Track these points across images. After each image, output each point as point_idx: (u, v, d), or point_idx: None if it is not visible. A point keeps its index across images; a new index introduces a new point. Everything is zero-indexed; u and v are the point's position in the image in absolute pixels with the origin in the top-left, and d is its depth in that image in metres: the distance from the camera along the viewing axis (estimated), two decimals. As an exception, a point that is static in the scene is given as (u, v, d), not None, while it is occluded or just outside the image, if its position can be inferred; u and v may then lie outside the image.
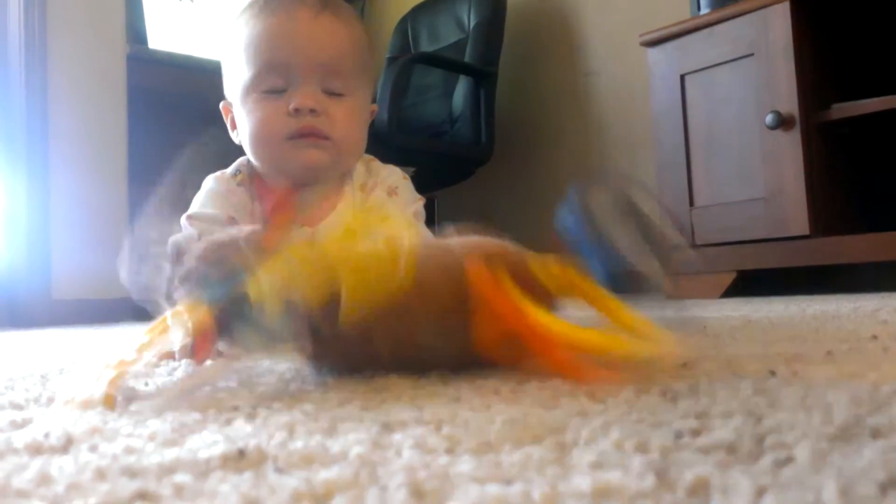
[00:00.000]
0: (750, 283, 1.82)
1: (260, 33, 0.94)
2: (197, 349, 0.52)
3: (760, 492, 0.22)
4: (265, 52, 0.93)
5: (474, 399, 0.42)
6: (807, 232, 1.66)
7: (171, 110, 2.65)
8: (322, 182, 1.01)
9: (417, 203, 1.02)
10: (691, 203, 1.87)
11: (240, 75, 0.96)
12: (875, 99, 1.62)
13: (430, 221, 1.04)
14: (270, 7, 0.96)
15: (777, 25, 1.71)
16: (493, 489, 0.23)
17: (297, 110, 0.92)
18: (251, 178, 1.01)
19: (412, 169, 1.06)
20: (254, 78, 0.94)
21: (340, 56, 0.96)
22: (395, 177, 1.04)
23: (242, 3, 1.03)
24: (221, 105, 1.03)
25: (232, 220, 0.94)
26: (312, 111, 0.92)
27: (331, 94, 0.95)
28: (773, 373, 0.47)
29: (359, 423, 0.36)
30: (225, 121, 1.03)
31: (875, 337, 0.67)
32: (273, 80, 0.93)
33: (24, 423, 0.41)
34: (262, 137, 0.95)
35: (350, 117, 0.97)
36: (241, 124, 0.97)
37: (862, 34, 1.82)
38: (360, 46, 1.00)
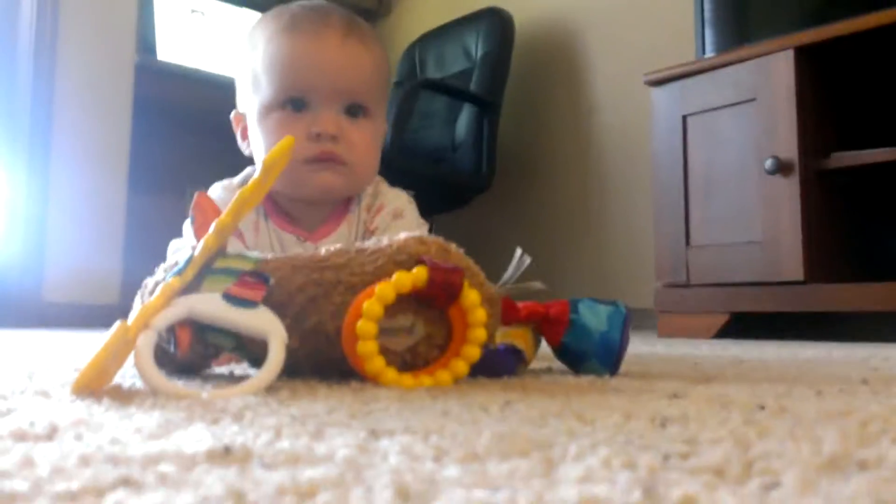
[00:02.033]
0: (743, 326, 1.82)
1: (286, 52, 0.94)
2: (178, 341, 0.52)
3: (747, 511, 0.22)
4: (291, 73, 0.93)
5: (463, 414, 0.42)
6: (801, 278, 1.67)
7: (175, 121, 2.66)
8: (330, 202, 1.01)
9: (422, 228, 1.02)
10: (687, 242, 1.88)
11: (260, 90, 0.95)
12: (875, 150, 1.63)
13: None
14: (298, 26, 0.96)
15: (780, 72, 1.73)
16: (479, 494, 0.23)
17: (318, 135, 0.92)
18: None
19: (411, 192, 1.06)
20: (276, 96, 0.94)
21: (364, 81, 0.96)
22: (401, 200, 1.04)
23: (253, 19, 1.03)
24: (233, 114, 1.03)
25: (237, 231, 0.94)
26: (333, 137, 0.93)
27: (352, 116, 0.95)
28: (762, 406, 0.47)
29: (346, 428, 0.36)
30: (234, 130, 1.04)
31: (865, 381, 0.67)
32: (295, 100, 0.93)
33: (8, 412, 0.41)
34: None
35: (368, 142, 0.97)
36: (256, 139, 0.97)
37: (864, 84, 1.84)
38: (382, 71, 1.01)
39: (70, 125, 2.29)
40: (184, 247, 0.89)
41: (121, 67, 2.42)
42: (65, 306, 2.20)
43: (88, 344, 1.21)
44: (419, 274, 0.56)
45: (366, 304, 0.54)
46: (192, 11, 2.89)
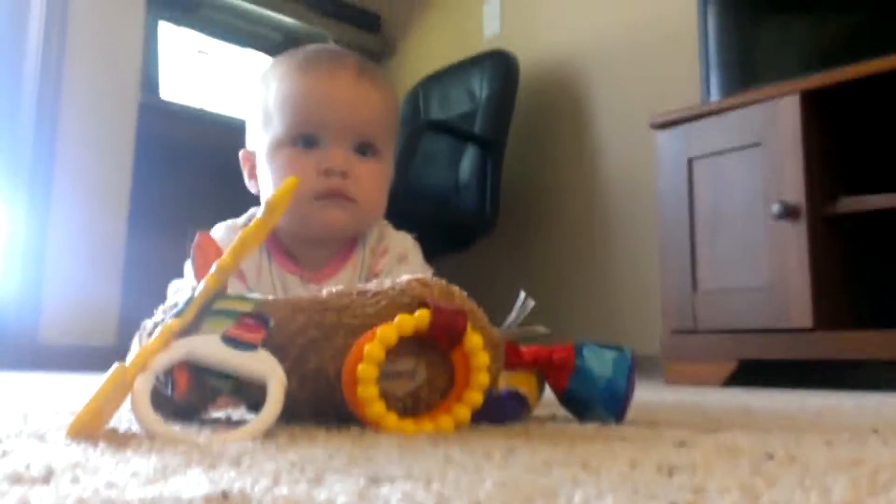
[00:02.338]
0: (752, 372, 1.80)
1: (300, 90, 0.95)
2: (176, 384, 0.52)
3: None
4: (303, 110, 0.94)
5: (465, 460, 0.41)
6: (809, 325, 1.65)
7: (177, 160, 2.68)
8: (335, 242, 1.01)
9: (426, 272, 1.02)
10: (694, 288, 1.87)
11: (271, 127, 0.96)
12: (883, 195, 1.63)
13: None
14: (312, 65, 0.97)
15: (786, 116, 1.74)
16: (482, 545, 0.22)
17: (328, 171, 0.93)
18: None
19: (414, 235, 1.07)
20: (287, 132, 0.95)
21: (375, 121, 0.97)
22: (406, 244, 1.04)
23: (258, 60, 1.05)
24: (241, 153, 1.04)
25: (238, 272, 0.93)
26: (343, 173, 0.93)
27: (361, 155, 0.96)
28: (770, 456, 0.46)
29: (346, 475, 0.35)
30: (242, 168, 1.04)
31: (876, 430, 0.66)
32: (307, 136, 0.94)
33: (3, 455, 0.40)
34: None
35: (376, 181, 0.98)
36: (265, 176, 0.98)
37: (872, 129, 1.84)
38: (392, 113, 1.02)
39: (72, 162, 2.30)
40: (184, 287, 0.89)
41: (124, 106, 2.44)
42: (61, 347, 2.19)
43: (84, 386, 1.20)
44: (422, 316, 0.56)
45: (367, 347, 0.54)
46: (198, 52, 2.93)
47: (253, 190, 1.03)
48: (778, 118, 1.75)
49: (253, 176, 1.02)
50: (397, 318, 0.55)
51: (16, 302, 2.16)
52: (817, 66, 1.77)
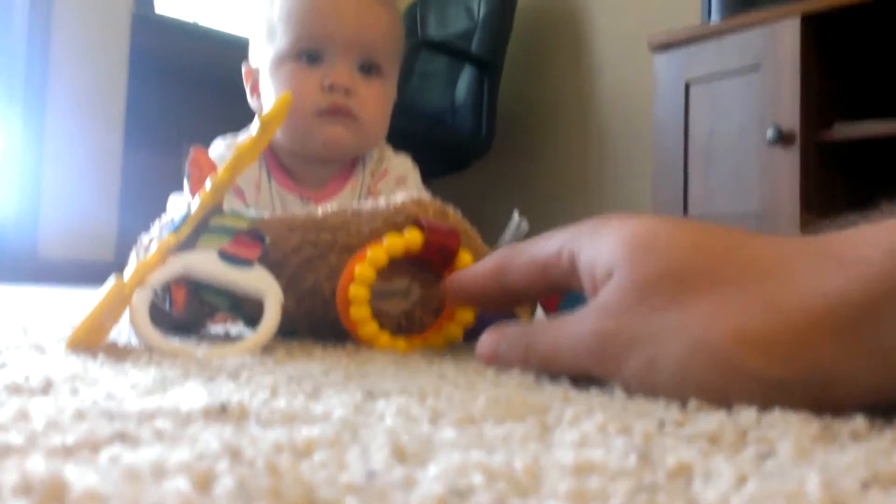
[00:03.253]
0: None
1: (305, 3, 0.94)
2: (174, 299, 0.52)
3: (742, 479, 0.22)
4: (308, 23, 0.93)
5: (458, 377, 0.42)
6: (798, 249, 1.66)
7: (173, 76, 2.64)
8: (336, 161, 1.01)
9: (424, 194, 1.03)
10: (685, 211, 1.88)
11: (275, 41, 0.95)
12: (879, 121, 1.62)
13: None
14: None
15: (785, 40, 1.71)
16: (475, 456, 0.23)
17: (331, 87, 0.92)
18: None
19: (410, 155, 1.07)
20: (291, 46, 0.93)
21: (381, 39, 0.96)
22: (405, 166, 1.04)
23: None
24: (244, 68, 1.03)
25: (237, 189, 0.93)
26: (346, 90, 0.92)
27: (365, 74, 0.95)
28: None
29: (342, 389, 0.36)
30: (245, 84, 1.03)
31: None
32: (311, 51, 0.93)
33: (2, 366, 0.41)
34: (291, 107, 0.95)
35: (380, 100, 0.97)
36: (267, 90, 0.97)
37: (872, 56, 1.82)
38: (397, 32, 1.01)
39: (66, 77, 2.27)
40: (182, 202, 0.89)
41: (117, 18, 2.39)
42: (60, 262, 2.20)
43: (83, 300, 1.21)
44: (413, 237, 0.56)
45: (358, 269, 0.54)
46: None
47: (255, 106, 1.02)
48: (777, 41, 1.73)
49: (256, 92, 1.01)
50: (387, 239, 0.55)
51: (14, 218, 2.17)
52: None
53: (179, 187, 0.94)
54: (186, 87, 2.66)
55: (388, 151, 1.05)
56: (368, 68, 0.96)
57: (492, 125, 2.46)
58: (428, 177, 1.10)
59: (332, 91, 0.93)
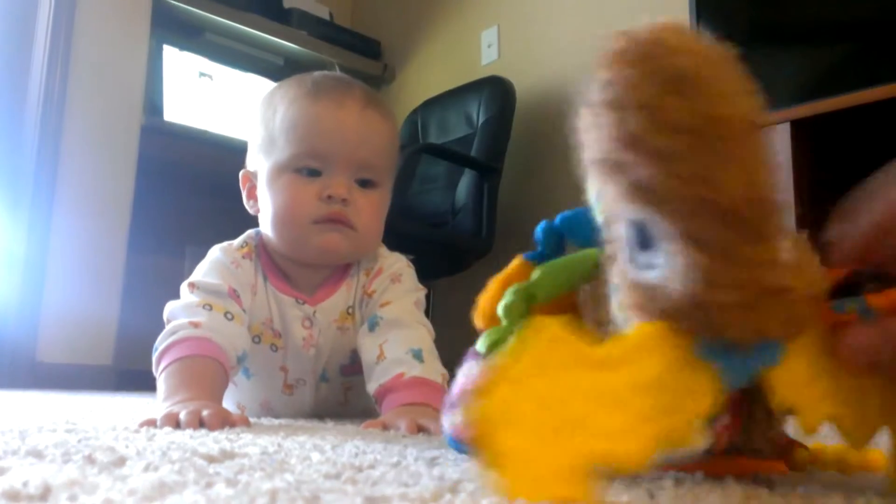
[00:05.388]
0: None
1: (307, 116, 0.96)
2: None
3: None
4: (310, 137, 0.95)
5: (461, 482, 0.41)
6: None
7: (179, 181, 2.69)
8: (330, 265, 1.02)
9: (419, 292, 1.03)
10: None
11: (275, 151, 0.97)
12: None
13: (426, 312, 1.05)
14: (321, 91, 0.98)
15: (778, 144, 1.75)
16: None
17: (330, 197, 0.94)
18: (258, 252, 1.02)
19: (410, 257, 1.08)
20: (292, 158, 0.96)
21: (379, 154, 0.99)
22: (399, 264, 1.05)
23: (259, 84, 1.06)
24: (241, 173, 1.05)
25: (234, 292, 0.94)
26: (344, 200, 0.95)
27: (362, 184, 0.97)
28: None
29: (342, 495, 0.36)
30: (241, 189, 1.05)
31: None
32: (311, 163, 0.95)
33: (1, 472, 0.40)
34: (288, 216, 0.96)
35: (375, 209, 0.99)
36: (265, 198, 0.99)
37: (863, 162, 1.85)
38: (394, 144, 1.04)
39: (74, 180, 2.31)
40: (178, 309, 0.89)
41: (127, 128, 2.45)
42: (58, 367, 2.18)
43: (82, 405, 1.20)
44: None
45: None
46: (201, 75, 2.94)
47: (251, 210, 1.04)
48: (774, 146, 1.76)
49: (252, 196, 1.03)
50: None
51: (15, 320, 2.16)
52: (806, 96, 1.79)
53: (178, 292, 0.94)
54: (190, 191, 2.71)
55: (383, 249, 1.06)
56: (365, 181, 0.98)
57: (492, 226, 2.48)
58: (431, 277, 1.11)
59: (330, 201, 0.95)
